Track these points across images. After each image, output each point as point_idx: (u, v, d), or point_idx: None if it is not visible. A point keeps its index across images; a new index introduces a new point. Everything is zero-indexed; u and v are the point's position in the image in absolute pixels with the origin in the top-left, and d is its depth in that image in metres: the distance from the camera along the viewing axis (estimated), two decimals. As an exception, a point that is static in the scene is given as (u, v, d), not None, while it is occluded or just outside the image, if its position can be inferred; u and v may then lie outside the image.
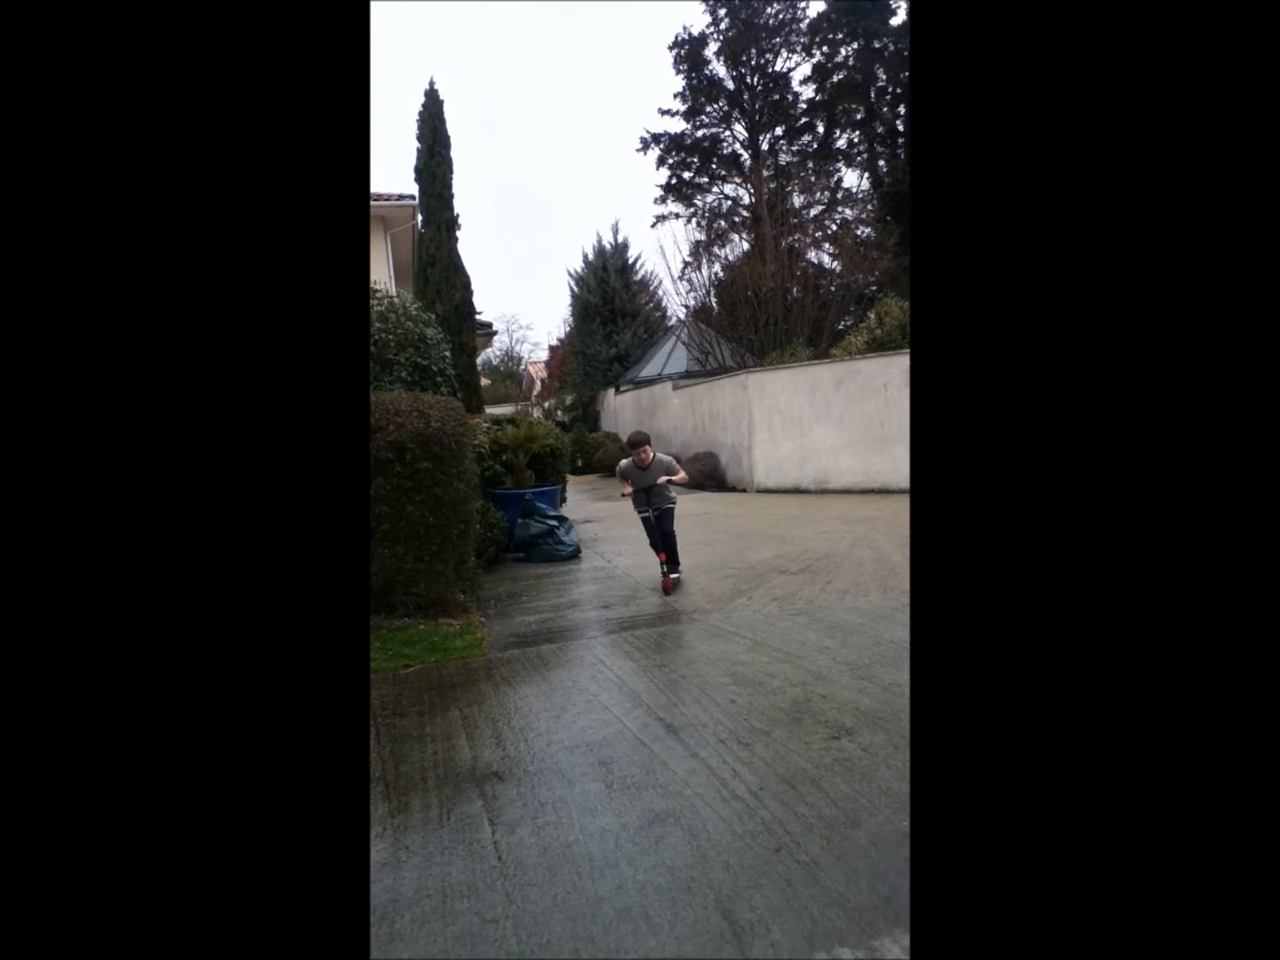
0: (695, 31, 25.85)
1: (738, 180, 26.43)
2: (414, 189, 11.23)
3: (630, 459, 6.05)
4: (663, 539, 6.02)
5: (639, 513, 6.08)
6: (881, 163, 25.28)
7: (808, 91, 25.98)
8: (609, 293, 23.83)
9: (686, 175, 27.28)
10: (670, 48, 26.03)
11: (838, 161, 25.73)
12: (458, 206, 11.44)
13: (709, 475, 13.52)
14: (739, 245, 20.44)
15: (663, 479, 5.96)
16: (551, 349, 31.94)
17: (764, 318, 15.87)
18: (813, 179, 23.21)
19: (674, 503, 6.08)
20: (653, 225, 28.21)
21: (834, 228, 22.02)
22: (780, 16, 25.41)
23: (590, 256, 24.74)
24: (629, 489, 5.95)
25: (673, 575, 5.89)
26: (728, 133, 27.33)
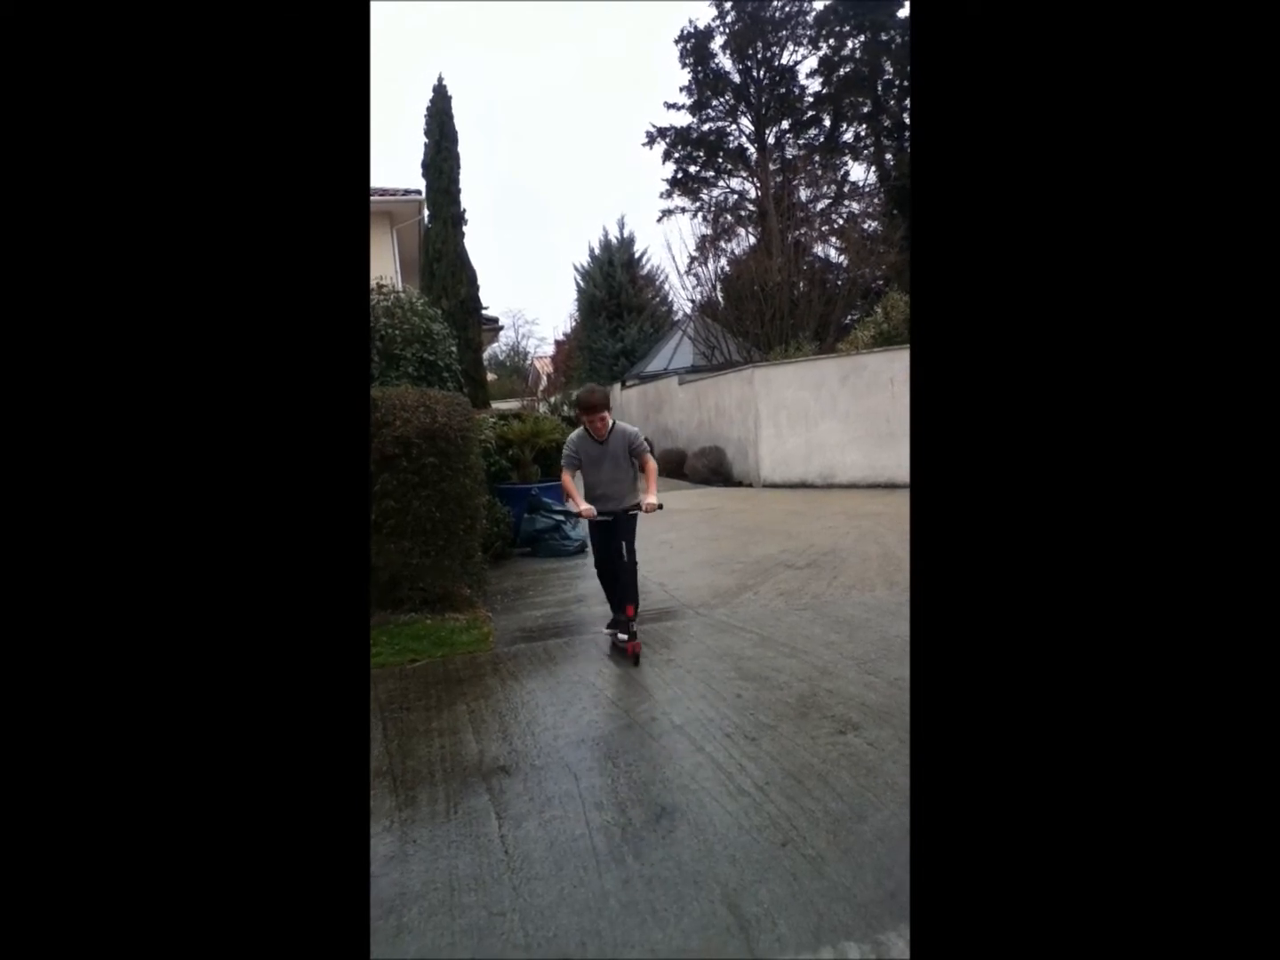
0: (701, 25, 25.80)
1: (744, 174, 26.34)
2: (420, 185, 11.23)
3: (579, 431, 4.13)
4: (624, 566, 4.06)
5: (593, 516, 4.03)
6: (888, 156, 25.13)
7: (814, 85, 25.87)
8: (615, 287, 23.81)
9: (692, 169, 27.19)
10: (676, 41, 25.95)
11: (844, 155, 25.61)
12: (463, 202, 11.44)
13: (715, 470, 13.51)
14: (745, 239, 20.41)
15: (639, 499, 4.03)
16: (557, 344, 31.94)
17: (770, 312, 15.83)
18: (819, 172, 23.10)
19: (640, 506, 4.05)
20: (659, 219, 28.21)
21: (840, 221, 21.96)
22: (787, 9, 25.27)
23: (596, 251, 24.71)
24: (581, 506, 3.99)
25: (633, 628, 3.96)
26: (734, 126, 27.23)
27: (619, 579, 4.13)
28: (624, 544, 4.10)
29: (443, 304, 10.12)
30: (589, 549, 7.47)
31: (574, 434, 4.18)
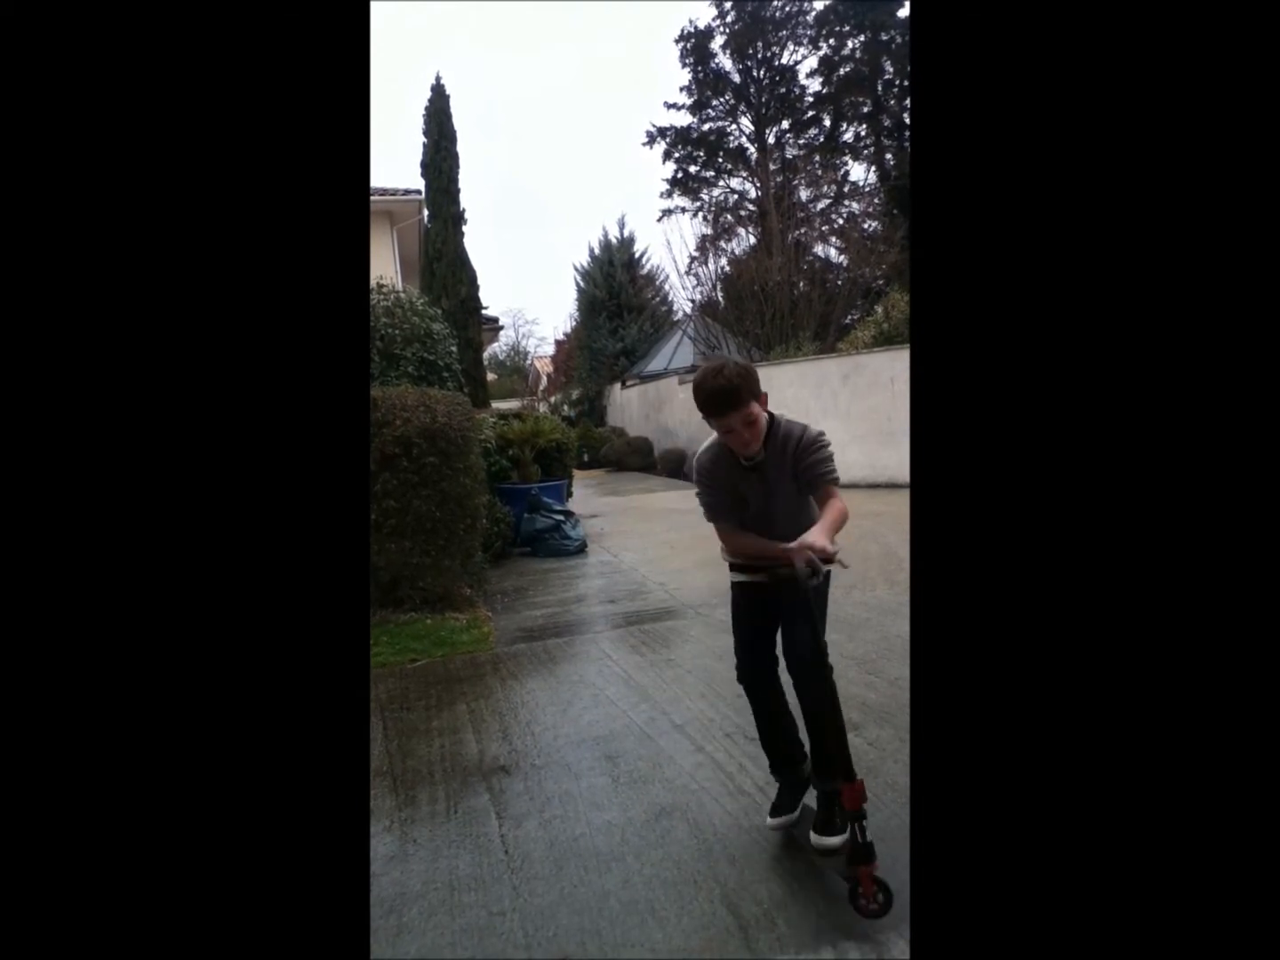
0: (701, 25, 25.78)
1: (744, 174, 26.29)
2: (420, 184, 11.23)
3: (710, 448, 2.14)
4: (805, 678, 2.04)
5: (747, 585, 2.25)
6: (889, 156, 25.10)
7: (814, 84, 25.81)
8: (615, 287, 23.79)
9: (692, 169, 27.15)
10: (676, 41, 25.90)
11: (844, 155, 25.56)
12: (462, 202, 11.45)
13: (715, 470, 13.49)
14: (745, 239, 20.37)
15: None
16: (558, 343, 31.94)
17: (770, 312, 15.80)
18: (819, 172, 23.06)
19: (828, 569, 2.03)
20: (659, 219, 28.20)
21: (841, 221, 21.92)
22: (787, 9, 25.23)
23: (596, 251, 24.69)
24: (777, 546, 1.96)
25: (866, 835, 1.82)
26: (734, 126, 27.18)
27: (802, 702, 2.14)
28: (797, 635, 2.06)
29: (443, 303, 10.13)
30: (589, 549, 7.44)
31: (702, 453, 2.17)
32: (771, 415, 2.06)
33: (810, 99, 26.14)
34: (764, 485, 2.09)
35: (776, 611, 2.14)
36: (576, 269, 25.29)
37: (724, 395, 1.94)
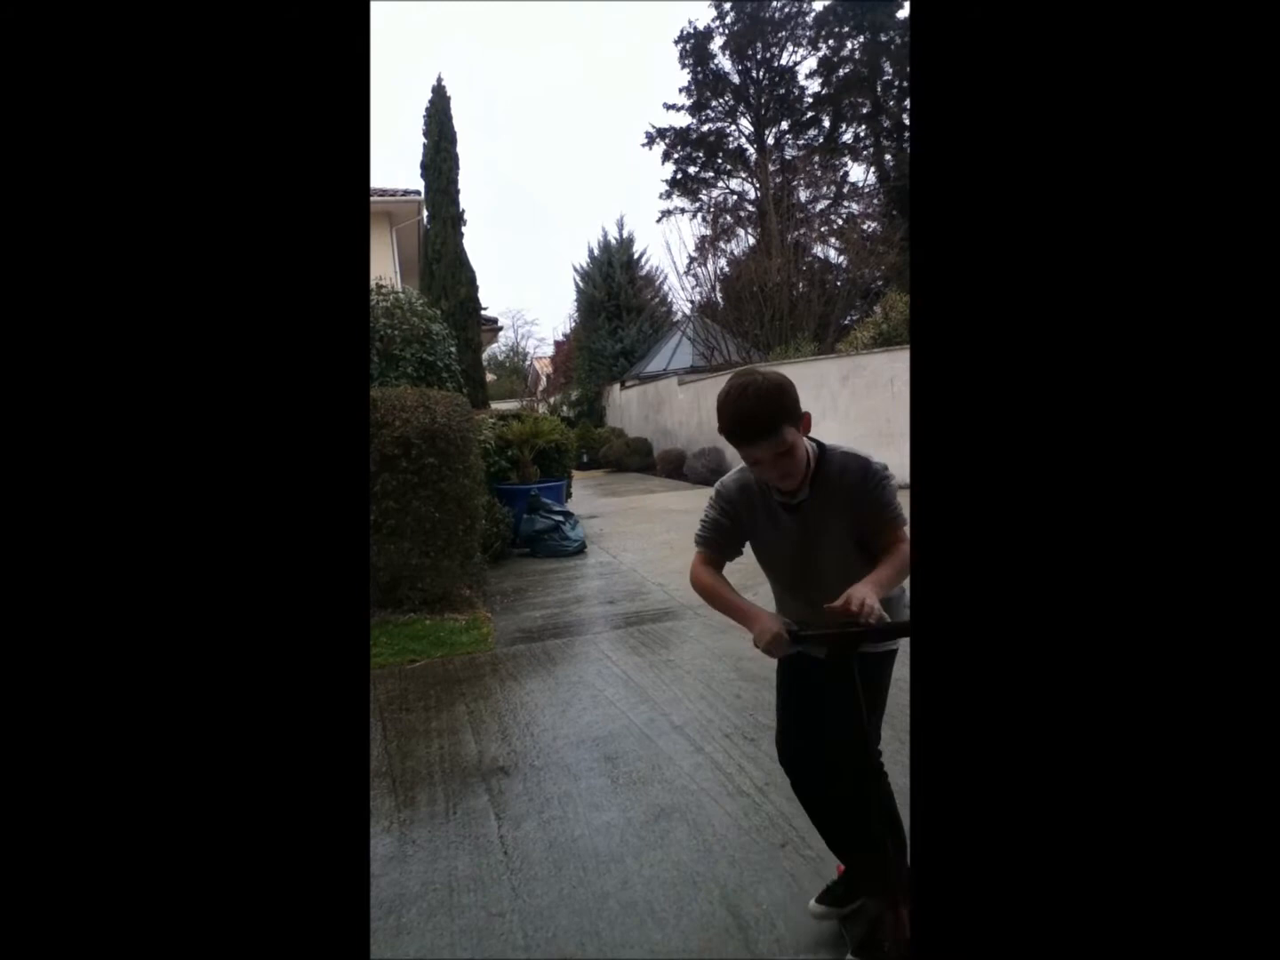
0: (701, 26, 25.83)
1: (743, 175, 26.35)
2: (419, 185, 11.25)
3: (738, 476, 1.83)
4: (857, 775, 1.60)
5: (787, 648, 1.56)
6: (888, 156, 25.14)
7: (814, 85, 25.88)
8: (614, 288, 23.78)
9: (692, 170, 27.21)
10: (676, 41, 25.98)
11: (844, 155, 25.60)
12: (462, 203, 11.47)
13: (715, 470, 13.53)
14: (745, 240, 20.41)
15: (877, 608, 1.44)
16: (557, 344, 31.95)
17: (770, 313, 15.82)
18: (819, 173, 23.10)
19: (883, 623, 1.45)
20: (658, 220, 28.33)
21: (840, 222, 21.96)
22: (786, 10, 25.28)
23: (595, 252, 24.69)
24: (755, 625, 1.56)
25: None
26: (733, 127, 27.23)
27: (854, 804, 1.68)
28: (849, 722, 1.56)
29: (442, 304, 10.14)
30: (588, 549, 7.43)
31: (730, 476, 1.91)
32: (821, 446, 1.66)
33: (809, 100, 26.20)
34: (804, 533, 1.67)
35: (821, 685, 1.71)
36: (576, 270, 25.29)
37: (751, 420, 1.55)
